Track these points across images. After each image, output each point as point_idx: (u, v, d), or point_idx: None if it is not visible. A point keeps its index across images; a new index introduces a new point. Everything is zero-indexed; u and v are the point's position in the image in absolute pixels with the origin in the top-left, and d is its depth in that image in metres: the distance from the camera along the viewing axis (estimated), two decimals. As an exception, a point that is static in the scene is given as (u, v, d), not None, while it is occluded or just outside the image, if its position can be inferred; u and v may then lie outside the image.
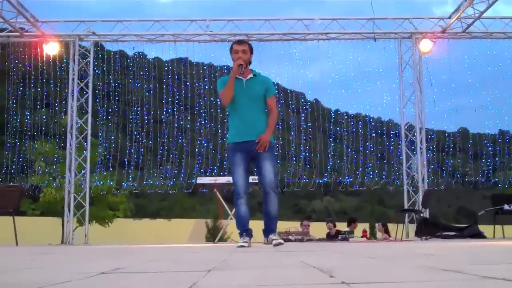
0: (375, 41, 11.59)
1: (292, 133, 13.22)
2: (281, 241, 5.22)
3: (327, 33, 11.64)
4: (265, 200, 5.32)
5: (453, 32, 11.59)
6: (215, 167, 13.24)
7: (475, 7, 10.54)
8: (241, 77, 5.37)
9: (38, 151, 14.96)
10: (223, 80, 5.44)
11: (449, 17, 11.35)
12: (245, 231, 5.31)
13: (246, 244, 5.13)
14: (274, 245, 5.03)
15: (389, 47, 11.97)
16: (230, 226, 12.71)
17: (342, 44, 12.04)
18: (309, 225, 11.68)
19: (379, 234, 12.44)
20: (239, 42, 5.61)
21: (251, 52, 5.52)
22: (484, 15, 10.77)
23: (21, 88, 12.76)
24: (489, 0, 10.14)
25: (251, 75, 5.45)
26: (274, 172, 5.35)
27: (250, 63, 5.50)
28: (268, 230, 5.39)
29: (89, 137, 11.70)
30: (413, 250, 4.17)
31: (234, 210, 9.02)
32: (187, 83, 13.48)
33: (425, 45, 11.53)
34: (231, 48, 5.51)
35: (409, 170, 11.43)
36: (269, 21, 11.48)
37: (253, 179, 9.41)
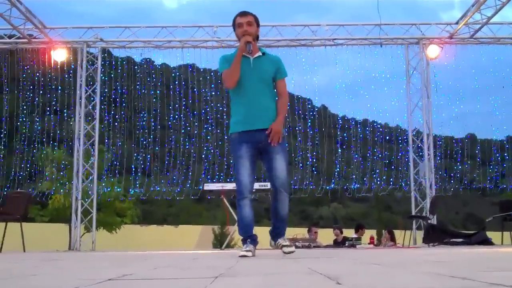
0: (381, 46, 11.60)
1: (299, 139, 13.21)
2: (293, 248, 4.55)
3: (334, 39, 11.65)
4: (275, 199, 4.63)
5: (461, 38, 11.58)
6: (222, 173, 13.27)
7: (483, 12, 10.53)
8: (248, 56, 4.60)
9: (48, 157, 15.03)
10: (226, 58, 4.68)
11: (457, 23, 11.33)
12: (249, 237, 4.56)
13: (249, 254, 4.38)
14: (285, 253, 4.47)
15: (396, 52, 12.02)
16: (237, 232, 12.69)
17: (349, 50, 12.10)
18: (317, 232, 11.66)
19: (384, 241, 12.43)
20: (242, 13, 4.71)
21: (258, 25, 4.72)
22: (492, 20, 10.76)
23: (31, 95, 12.84)
24: (496, 5, 10.13)
25: (260, 53, 4.69)
26: (286, 168, 4.66)
27: (258, 37, 4.75)
28: (277, 234, 4.68)
29: (96, 143, 11.72)
30: (421, 257, 4.15)
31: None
32: (194, 89, 13.53)
33: (433, 51, 11.52)
34: (234, 22, 4.72)
35: (416, 177, 11.39)
36: (276, 27, 11.51)
37: (260, 185, 9.42)
